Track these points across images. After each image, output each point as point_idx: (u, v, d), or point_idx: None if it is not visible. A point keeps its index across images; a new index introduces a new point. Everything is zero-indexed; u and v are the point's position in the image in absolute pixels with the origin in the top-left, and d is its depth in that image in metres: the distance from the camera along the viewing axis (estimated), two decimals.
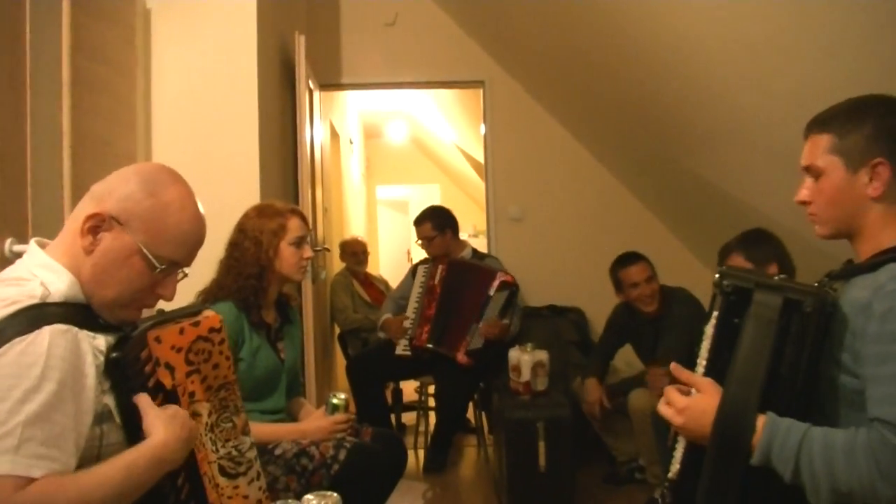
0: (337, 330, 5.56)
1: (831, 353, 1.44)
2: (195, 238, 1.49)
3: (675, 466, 1.59)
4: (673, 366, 1.60)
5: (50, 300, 1.32)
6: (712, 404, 1.47)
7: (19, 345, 1.23)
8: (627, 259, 3.86)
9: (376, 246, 10.07)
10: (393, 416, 5.02)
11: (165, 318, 1.51)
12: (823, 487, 1.32)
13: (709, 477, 1.47)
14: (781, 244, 2.86)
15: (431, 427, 4.63)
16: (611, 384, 3.95)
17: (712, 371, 1.54)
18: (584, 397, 3.88)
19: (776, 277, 1.51)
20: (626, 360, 4.28)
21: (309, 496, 1.02)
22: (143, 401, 1.40)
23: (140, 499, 1.35)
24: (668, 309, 3.80)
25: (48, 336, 1.25)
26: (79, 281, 1.39)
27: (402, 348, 4.38)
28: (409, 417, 5.21)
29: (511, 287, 4.28)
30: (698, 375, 1.56)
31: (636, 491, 3.80)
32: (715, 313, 1.56)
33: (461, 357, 4.17)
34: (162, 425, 1.37)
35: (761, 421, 1.41)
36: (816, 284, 1.53)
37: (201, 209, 1.50)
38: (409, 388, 5.11)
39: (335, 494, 1.03)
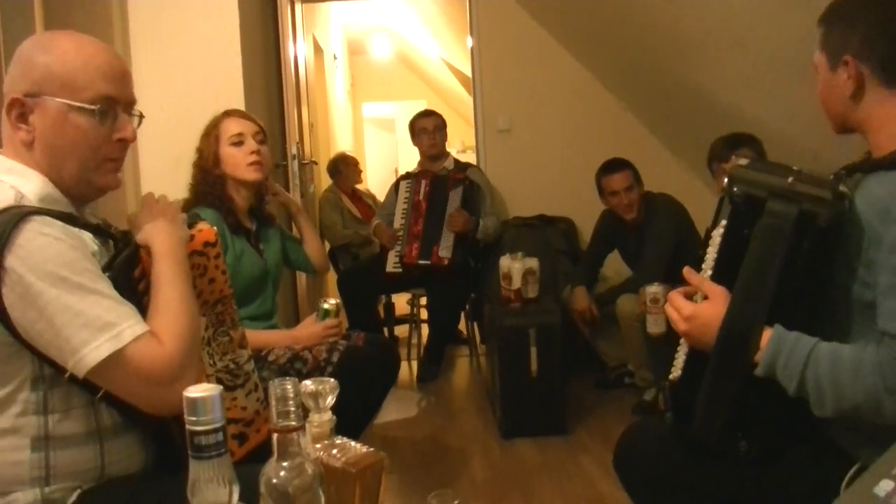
0: (327, 246, 5.56)
1: (846, 261, 1.39)
2: (112, 67, 1.39)
3: (676, 371, 1.58)
4: (686, 270, 1.53)
5: (25, 203, 1.27)
6: (719, 314, 1.42)
7: (27, 233, 1.21)
8: (611, 166, 3.87)
9: (364, 164, 10.02)
10: (385, 330, 5.07)
11: None
12: (829, 401, 1.31)
13: (709, 385, 1.46)
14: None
15: (424, 339, 4.69)
16: (600, 293, 3.99)
17: (717, 280, 1.48)
18: (572, 306, 3.93)
19: (790, 177, 1.41)
20: (616, 268, 4.31)
21: (307, 381, 1.03)
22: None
23: (140, 415, 1.36)
24: (651, 216, 3.82)
25: (40, 222, 1.23)
26: (48, 176, 1.35)
27: (392, 266, 4.40)
28: (401, 330, 5.27)
29: (462, 182, 4.35)
30: (709, 282, 1.49)
31: (625, 395, 3.89)
32: (723, 221, 1.48)
33: (435, 258, 4.23)
34: (155, 234, 1.41)
35: (767, 334, 1.37)
36: (832, 177, 1.46)
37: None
38: (400, 301, 5.15)
39: (332, 380, 1.04)
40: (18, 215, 1.22)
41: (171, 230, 1.43)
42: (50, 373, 1.27)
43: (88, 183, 1.39)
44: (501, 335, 3.49)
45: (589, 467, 3.10)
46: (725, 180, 1.48)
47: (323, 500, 0.91)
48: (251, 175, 2.47)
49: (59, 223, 1.26)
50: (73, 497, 1.30)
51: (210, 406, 0.75)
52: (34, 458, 1.27)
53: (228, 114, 2.53)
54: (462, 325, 4.94)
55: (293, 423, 0.88)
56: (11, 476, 1.26)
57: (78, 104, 1.34)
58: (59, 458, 1.28)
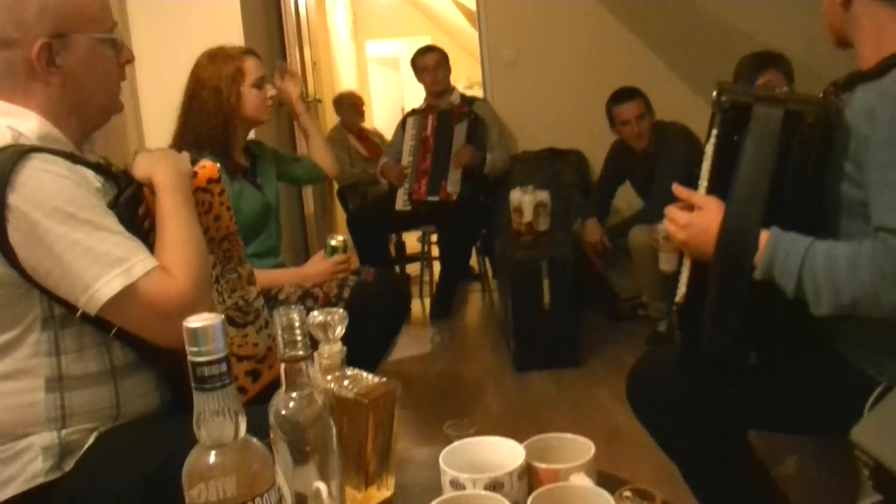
0: (335, 186, 5.52)
1: (836, 163, 1.39)
2: None
3: (682, 289, 1.58)
4: (675, 186, 1.56)
5: (23, 142, 1.24)
6: (715, 220, 1.43)
7: (28, 170, 1.17)
8: (622, 95, 3.79)
9: (369, 104, 9.90)
10: (397, 268, 5.06)
11: None
12: (826, 298, 1.31)
13: (714, 295, 1.46)
14: None
15: (436, 276, 4.68)
16: (612, 225, 3.95)
17: (713, 191, 1.50)
18: (584, 238, 3.89)
19: (778, 90, 1.46)
20: (627, 200, 4.26)
21: (315, 312, 1.01)
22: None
23: (153, 353, 1.35)
24: (663, 145, 3.75)
25: (41, 159, 1.20)
26: (50, 118, 1.31)
27: (402, 204, 4.36)
28: (412, 269, 5.25)
29: (466, 116, 4.29)
30: (699, 194, 1.52)
31: (639, 327, 3.88)
32: (714, 131, 1.51)
33: (443, 194, 4.19)
34: (155, 168, 1.39)
35: (764, 236, 1.38)
36: (821, 95, 1.48)
37: None
38: (411, 240, 5.13)
39: (342, 310, 1.02)
40: (18, 153, 1.19)
41: (171, 163, 1.41)
42: (60, 312, 1.26)
43: (108, 111, 1.42)
44: (513, 269, 3.47)
45: (603, 398, 3.11)
46: (714, 93, 1.51)
47: (334, 430, 0.89)
48: (266, 115, 2.49)
49: (61, 160, 1.23)
50: (91, 439, 1.30)
51: (211, 336, 0.72)
52: (49, 399, 1.26)
53: (249, 53, 2.49)
54: (473, 261, 4.92)
55: (301, 352, 0.85)
56: (27, 418, 1.26)
57: (103, 36, 1.35)
58: (75, 399, 1.28)
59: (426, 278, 4.85)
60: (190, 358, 0.73)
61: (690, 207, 1.52)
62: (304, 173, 2.88)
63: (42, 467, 1.25)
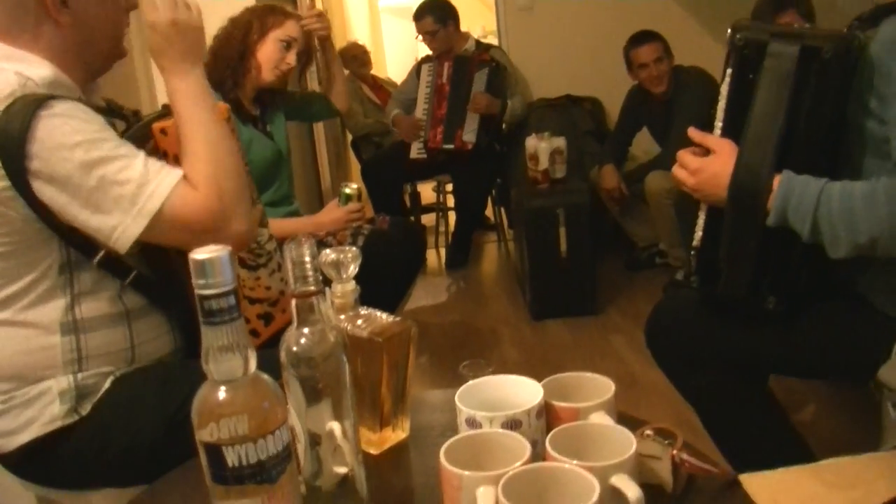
0: (349, 137, 5.48)
1: (860, 98, 1.34)
2: None
3: (698, 233, 1.55)
4: (690, 129, 1.50)
5: (30, 87, 1.20)
6: (727, 164, 1.39)
7: (42, 119, 1.15)
8: (639, 38, 3.72)
9: (383, 55, 9.78)
10: (412, 219, 5.03)
11: (170, 111, 1.43)
12: (843, 239, 1.26)
13: (729, 239, 1.43)
14: None
15: (451, 227, 4.66)
16: (628, 171, 3.91)
17: (728, 133, 1.46)
18: (601, 185, 3.85)
19: (797, 27, 1.40)
20: (644, 147, 4.21)
21: (327, 250, 0.98)
22: None
23: (165, 297, 1.35)
24: (681, 89, 3.69)
25: (52, 105, 1.17)
26: (57, 62, 1.28)
27: (416, 152, 4.32)
28: (428, 219, 5.23)
29: (488, 64, 4.21)
30: (714, 137, 1.47)
31: (657, 275, 3.85)
32: (729, 71, 1.46)
33: (459, 143, 4.14)
34: (161, 56, 1.33)
35: (776, 181, 1.33)
36: (845, 31, 1.40)
37: None
38: (426, 191, 5.10)
39: (354, 248, 0.99)
40: (34, 104, 1.16)
41: (182, 46, 1.32)
42: (76, 257, 1.26)
43: (113, 56, 1.38)
44: (530, 216, 3.43)
45: (620, 346, 3.09)
46: (729, 31, 1.45)
47: (347, 367, 0.87)
48: (271, 77, 2.44)
49: (69, 101, 1.21)
50: (107, 383, 1.30)
51: (218, 267, 0.69)
52: (65, 342, 1.26)
53: (297, 18, 2.49)
54: (489, 211, 4.89)
55: (312, 287, 0.83)
56: (44, 361, 1.26)
57: None
58: (90, 341, 1.28)
59: (441, 228, 4.83)
60: (197, 291, 0.70)
61: (706, 153, 1.47)
62: (318, 110, 2.87)
63: (59, 410, 1.26)
